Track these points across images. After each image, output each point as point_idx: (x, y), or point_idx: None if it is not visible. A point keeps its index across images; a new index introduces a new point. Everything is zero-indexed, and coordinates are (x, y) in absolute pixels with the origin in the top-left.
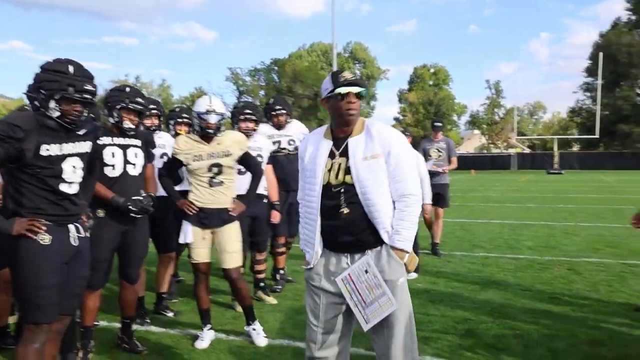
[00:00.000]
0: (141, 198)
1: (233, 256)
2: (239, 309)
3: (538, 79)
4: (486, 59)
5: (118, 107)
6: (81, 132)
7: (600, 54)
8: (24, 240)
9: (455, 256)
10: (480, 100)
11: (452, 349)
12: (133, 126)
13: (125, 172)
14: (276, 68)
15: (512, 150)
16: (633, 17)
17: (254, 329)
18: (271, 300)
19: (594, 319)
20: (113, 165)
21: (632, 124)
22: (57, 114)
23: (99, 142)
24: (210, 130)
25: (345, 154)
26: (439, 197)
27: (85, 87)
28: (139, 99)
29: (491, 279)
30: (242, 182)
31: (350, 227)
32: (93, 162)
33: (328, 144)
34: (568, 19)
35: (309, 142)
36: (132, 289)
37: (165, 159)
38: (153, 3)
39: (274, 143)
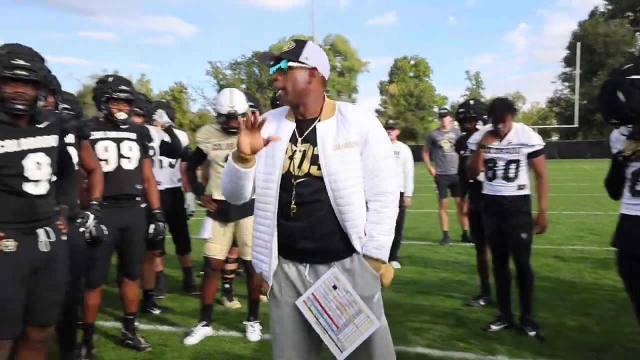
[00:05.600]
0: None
1: None
2: (228, 304)
3: (517, 70)
4: (466, 50)
5: (104, 99)
6: (43, 125)
7: (578, 44)
8: None
9: (443, 246)
10: (461, 92)
11: (443, 339)
12: (125, 115)
13: (119, 166)
14: (257, 61)
15: None
16: (610, 7)
17: (251, 325)
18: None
19: (581, 306)
20: (106, 160)
21: None
22: None
23: (91, 137)
24: (234, 130)
25: (311, 140)
26: (456, 187)
27: (14, 62)
28: (123, 87)
29: None
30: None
31: (313, 230)
32: (66, 163)
33: (290, 126)
34: (545, 10)
35: (270, 122)
36: (133, 285)
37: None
38: None
39: None
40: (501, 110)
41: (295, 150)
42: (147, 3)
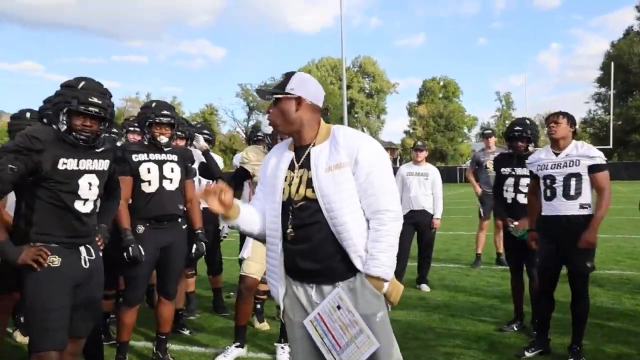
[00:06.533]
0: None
1: None
2: (258, 325)
3: (549, 90)
4: (495, 71)
5: (147, 123)
6: (99, 150)
7: (612, 64)
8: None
9: (474, 269)
10: (491, 112)
11: None
12: (167, 139)
13: (161, 187)
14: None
15: None
16: None
17: (282, 347)
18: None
19: (620, 333)
20: (149, 181)
21: None
22: (64, 127)
23: (134, 159)
24: None
25: (306, 164)
26: None
27: (90, 100)
28: (165, 111)
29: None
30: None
31: (315, 251)
32: (114, 186)
33: (289, 155)
34: (577, 30)
35: (272, 154)
36: (169, 305)
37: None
38: (162, 21)
39: None
40: (555, 113)
41: (293, 177)
42: (178, 27)
